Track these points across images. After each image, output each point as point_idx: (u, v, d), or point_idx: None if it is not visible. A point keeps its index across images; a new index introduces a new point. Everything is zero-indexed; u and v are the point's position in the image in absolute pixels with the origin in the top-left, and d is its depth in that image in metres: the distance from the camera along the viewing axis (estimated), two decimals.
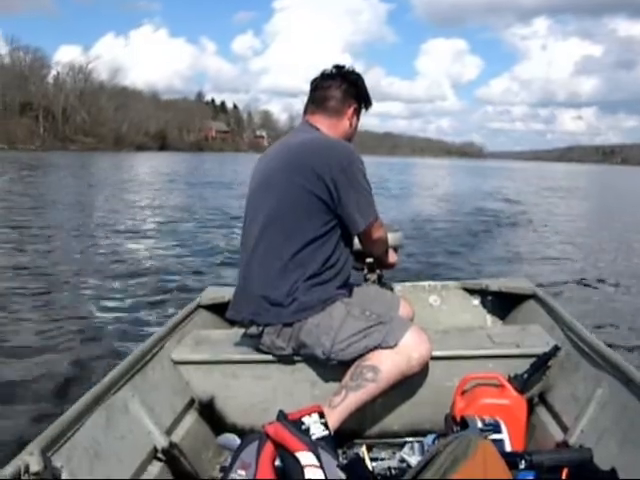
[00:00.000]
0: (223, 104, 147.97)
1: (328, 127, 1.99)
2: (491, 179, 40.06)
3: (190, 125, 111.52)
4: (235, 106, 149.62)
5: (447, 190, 25.82)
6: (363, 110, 2.11)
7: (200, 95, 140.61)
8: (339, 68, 2.04)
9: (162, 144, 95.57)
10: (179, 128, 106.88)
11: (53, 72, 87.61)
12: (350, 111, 2.02)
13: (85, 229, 10.18)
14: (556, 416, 1.82)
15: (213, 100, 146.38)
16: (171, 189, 20.72)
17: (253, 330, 1.91)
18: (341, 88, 1.99)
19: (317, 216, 1.82)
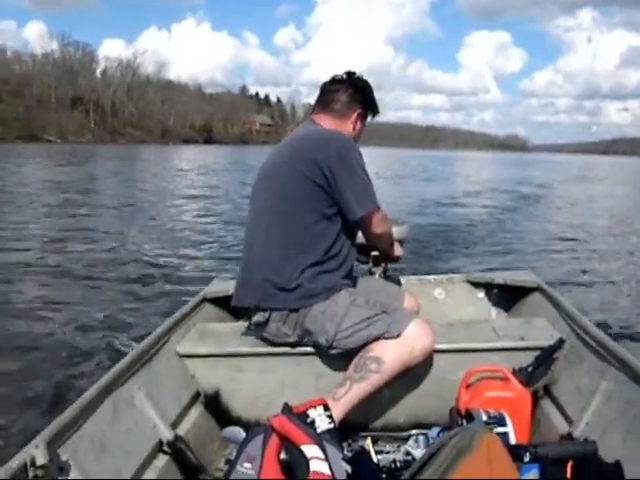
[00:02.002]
0: (267, 97, 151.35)
1: (331, 127, 2.03)
2: (528, 170, 41.86)
3: (234, 118, 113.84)
4: (279, 99, 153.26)
5: (478, 179, 27.21)
6: (369, 118, 2.16)
7: (244, 88, 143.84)
8: (349, 74, 2.09)
9: (207, 137, 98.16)
10: (224, 121, 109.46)
11: (101, 67, 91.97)
12: (354, 116, 2.08)
13: (107, 220, 10.37)
14: (561, 409, 1.81)
15: (257, 93, 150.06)
16: (203, 181, 21.46)
17: (259, 318, 1.92)
18: (347, 93, 2.05)
19: (317, 202, 1.85)
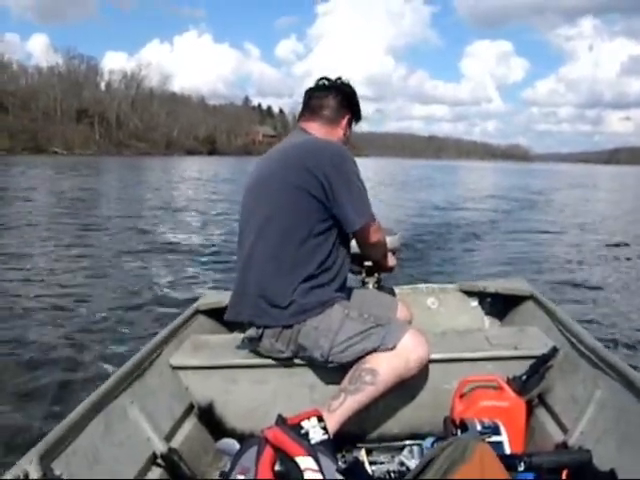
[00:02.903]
0: (269, 109, 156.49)
1: (322, 134, 2.01)
2: (527, 179, 43.81)
3: (238, 130, 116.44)
4: (281, 110, 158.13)
5: (477, 188, 28.61)
6: (353, 123, 2.15)
7: (247, 100, 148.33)
8: (334, 80, 2.08)
9: (211, 148, 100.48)
10: (227, 133, 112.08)
11: (106, 79, 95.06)
12: (344, 121, 2.07)
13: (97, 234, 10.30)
14: (555, 418, 1.81)
15: (260, 105, 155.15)
16: (204, 191, 21.87)
17: (252, 333, 1.91)
18: (337, 99, 2.04)
19: (312, 215, 1.83)
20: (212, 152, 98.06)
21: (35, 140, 70.00)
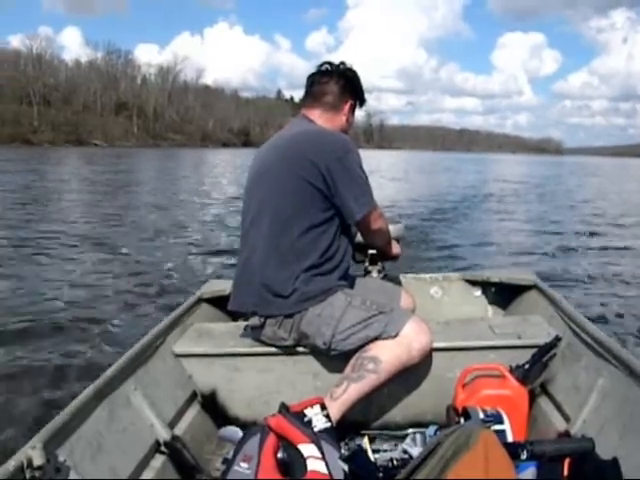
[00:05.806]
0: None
1: (324, 121, 2.01)
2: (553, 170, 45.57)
3: (271, 122, 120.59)
4: None
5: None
6: (357, 107, 2.13)
7: (280, 93, 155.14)
8: (337, 65, 2.06)
9: (245, 140, 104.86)
10: (260, 125, 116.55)
11: (142, 73, 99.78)
12: (347, 107, 2.05)
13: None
14: (558, 406, 1.82)
15: (292, 98, 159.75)
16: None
17: (255, 321, 1.91)
18: (339, 84, 2.02)
19: (314, 205, 1.82)
20: (246, 144, 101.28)
21: (76, 133, 73.77)
